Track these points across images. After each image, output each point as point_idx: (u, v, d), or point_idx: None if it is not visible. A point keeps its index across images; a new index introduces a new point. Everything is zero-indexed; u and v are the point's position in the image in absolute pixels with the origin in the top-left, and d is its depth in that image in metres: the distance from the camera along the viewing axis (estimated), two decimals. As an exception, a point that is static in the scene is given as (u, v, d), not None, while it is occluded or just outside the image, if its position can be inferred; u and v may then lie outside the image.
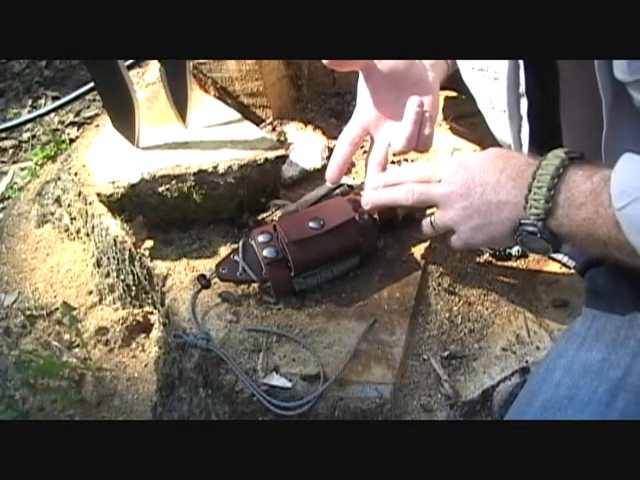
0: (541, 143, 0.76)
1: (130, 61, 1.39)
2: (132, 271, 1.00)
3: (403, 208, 0.88)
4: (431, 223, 0.80)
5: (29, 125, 1.71)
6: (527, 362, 0.79)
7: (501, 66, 0.79)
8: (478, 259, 0.90)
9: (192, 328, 0.82)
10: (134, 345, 1.06)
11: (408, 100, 0.85)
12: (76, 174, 1.01)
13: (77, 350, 1.08)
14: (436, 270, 0.88)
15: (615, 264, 0.68)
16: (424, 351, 0.81)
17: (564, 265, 0.88)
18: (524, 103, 0.80)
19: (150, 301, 1.03)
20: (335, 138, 0.94)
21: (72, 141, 1.59)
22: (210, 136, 0.99)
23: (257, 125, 1.06)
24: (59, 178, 1.20)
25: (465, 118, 1.10)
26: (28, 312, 1.14)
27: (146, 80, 1.22)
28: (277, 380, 0.76)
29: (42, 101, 1.80)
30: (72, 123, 1.72)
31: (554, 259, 0.89)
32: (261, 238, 0.84)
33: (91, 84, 1.50)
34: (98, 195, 0.94)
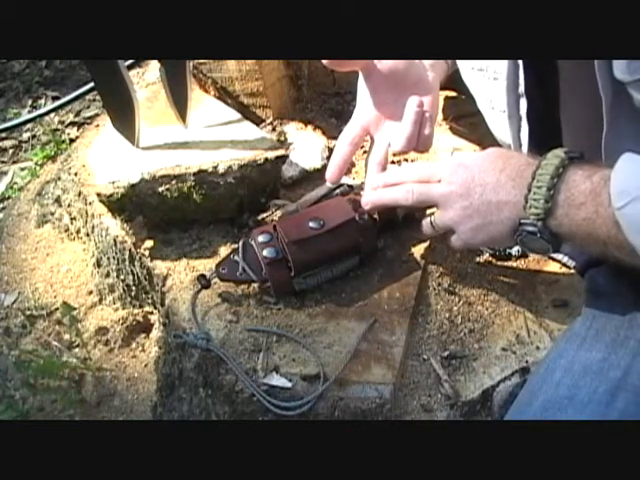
0: (541, 143, 0.76)
1: (130, 61, 1.39)
2: (132, 271, 1.00)
3: (403, 208, 0.88)
4: (431, 223, 0.80)
5: (29, 125, 1.71)
6: (527, 362, 0.79)
7: (501, 66, 0.79)
8: (478, 259, 0.90)
9: (192, 328, 0.82)
10: (134, 345, 1.06)
11: (408, 100, 0.85)
12: (76, 174, 1.01)
13: (77, 350, 1.08)
14: (436, 270, 0.88)
15: (615, 264, 0.68)
16: (424, 351, 0.81)
17: (564, 265, 0.88)
18: (524, 103, 0.80)
19: (150, 301, 1.03)
20: (335, 138, 0.94)
21: (72, 141, 1.59)
22: (210, 136, 0.99)
23: (257, 125, 1.06)
24: (59, 178, 1.20)
25: (465, 118, 1.10)
26: (28, 312, 1.14)
27: (146, 80, 1.22)
28: (277, 380, 0.76)
29: (42, 101, 1.80)
30: (72, 123, 1.72)
31: (554, 259, 0.89)
32: (261, 238, 0.84)
33: (91, 84, 1.50)
34: (98, 195, 0.94)
